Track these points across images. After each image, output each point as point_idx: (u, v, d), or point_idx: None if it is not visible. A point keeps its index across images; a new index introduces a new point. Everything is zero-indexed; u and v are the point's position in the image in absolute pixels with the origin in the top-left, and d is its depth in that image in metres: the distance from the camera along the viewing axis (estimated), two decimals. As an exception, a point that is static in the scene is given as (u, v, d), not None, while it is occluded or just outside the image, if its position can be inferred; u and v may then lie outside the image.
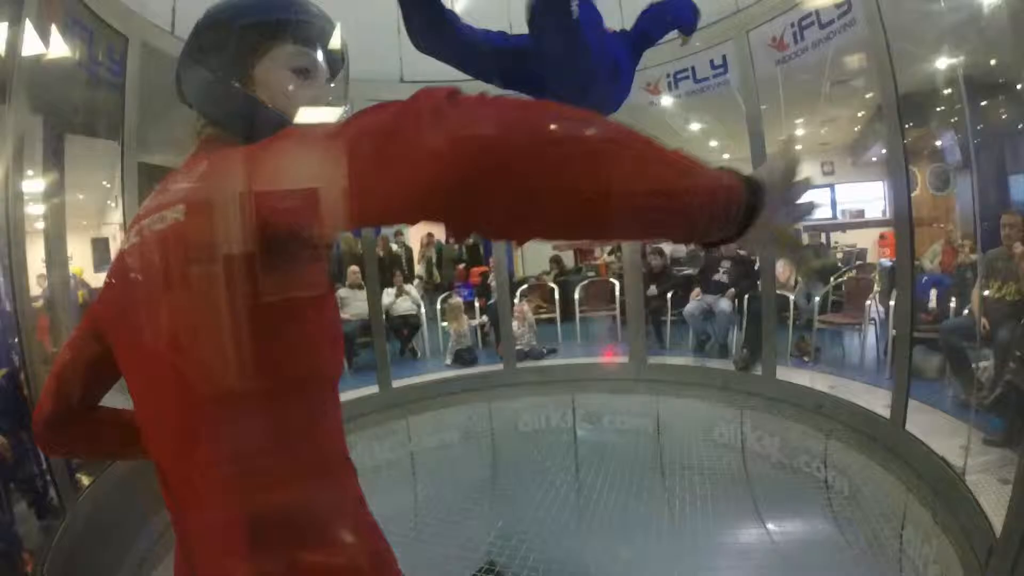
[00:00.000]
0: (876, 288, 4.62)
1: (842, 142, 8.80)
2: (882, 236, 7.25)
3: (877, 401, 3.26)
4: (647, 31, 1.90)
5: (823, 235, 6.47)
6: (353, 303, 5.40)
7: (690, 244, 0.59)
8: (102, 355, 0.73)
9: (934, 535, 2.27)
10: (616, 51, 1.70)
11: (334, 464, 0.67)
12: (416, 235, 9.76)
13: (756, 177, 0.57)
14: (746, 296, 4.59)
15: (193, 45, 0.72)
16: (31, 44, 2.21)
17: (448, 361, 5.25)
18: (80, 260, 4.20)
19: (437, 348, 5.69)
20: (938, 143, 5.81)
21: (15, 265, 2.15)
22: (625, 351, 4.76)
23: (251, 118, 0.69)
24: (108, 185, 3.48)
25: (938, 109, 4.89)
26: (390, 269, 6.54)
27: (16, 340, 2.23)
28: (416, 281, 7.70)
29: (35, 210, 2.71)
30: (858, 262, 6.52)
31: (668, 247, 7.62)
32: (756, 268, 4.61)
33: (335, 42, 0.79)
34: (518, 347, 5.01)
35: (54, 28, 2.35)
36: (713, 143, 8.64)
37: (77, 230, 4.19)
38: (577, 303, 6.18)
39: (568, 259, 8.99)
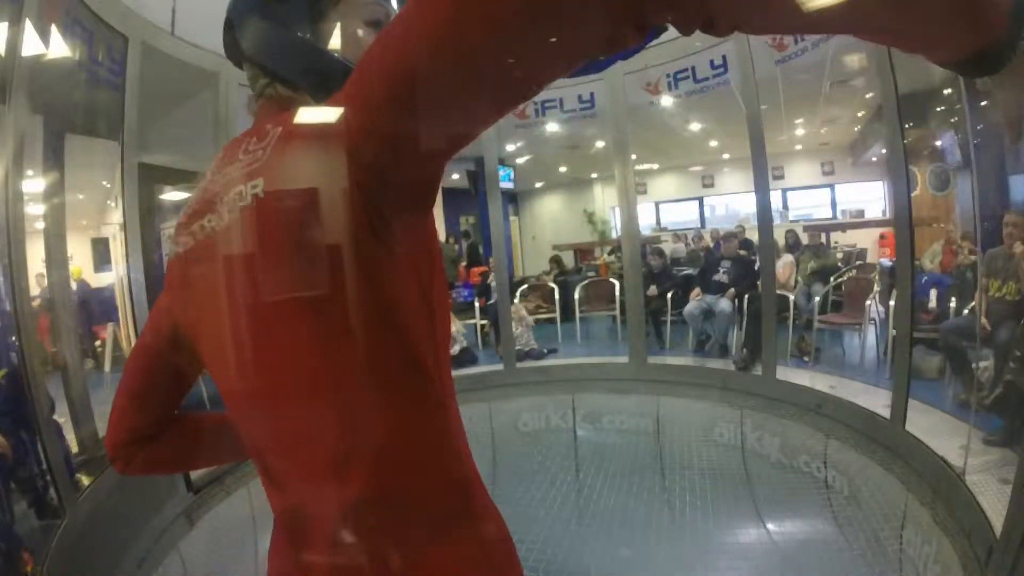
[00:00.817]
0: (876, 288, 4.61)
1: (842, 142, 8.81)
2: (882, 236, 7.25)
3: (877, 401, 3.26)
4: None
5: (823, 235, 6.46)
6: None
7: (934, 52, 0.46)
8: (180, 363, 0.69)
9: (934, 535, 2.27)
10: None
11: (456, 457, 0.62)
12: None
13: None
14: (746, 296, 4.59)
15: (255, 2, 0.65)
16: (31, 44, 2.21)
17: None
18: (80, 260, 4.20)
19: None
20: (938, 143, 5.81)
21: (15, 265, 2.15)
22: (625, 351, 4.76)
23: (324, 72, 0.63)
24: (108, 185, 3.48)
25: (938, 109, 4.89)
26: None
27: (16, 340, 2.23)
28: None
29: (35, 210, 2.71)
30: (858, 262, 6.52)
31: (668, 247, 7.63)
32: (756, 268, 4.61)
33: None
34: (518, 347, 5.01)
35: (54, 28, 2.35)
36: (713, 143, 8.65)
37: (77, 230, 4.19)
38: (577, 303, 6.19)
39: (568, 259, 9.00)
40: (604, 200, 11.07)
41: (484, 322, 6.15)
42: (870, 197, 8.94)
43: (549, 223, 11.51)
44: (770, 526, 2.71)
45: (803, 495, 2.99)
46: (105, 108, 2.84)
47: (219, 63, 3.43)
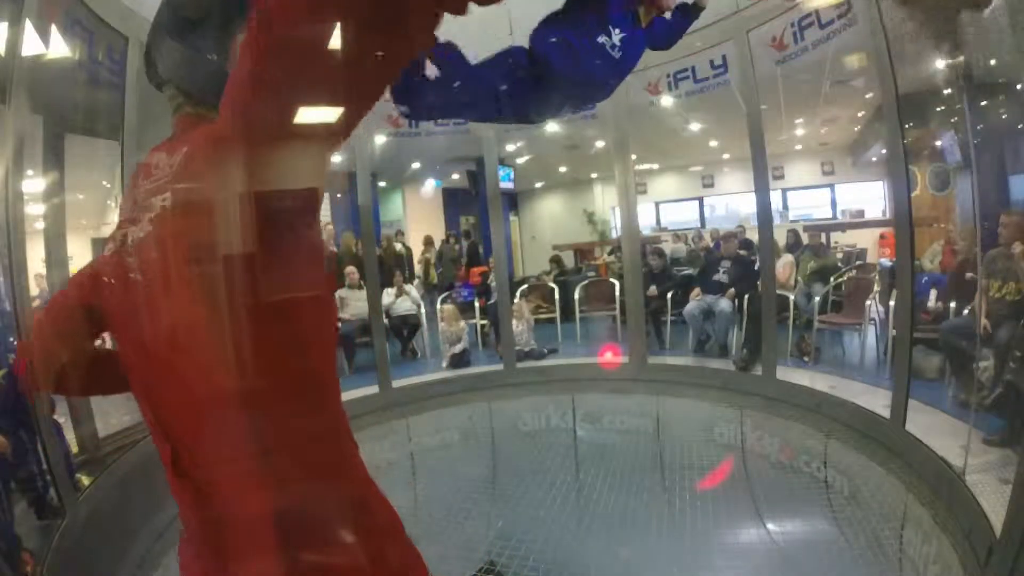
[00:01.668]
0: (876, 288, 4.61)
1: (842, 142, 8.81)
2: (882, 236, 7.25)
3: (877, 401, 3.26)
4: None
5: (823, 235, 6.46)
6: (353, 303, 5.41)
7: None
8: (93, 319, 0.78)
9: (934, 535, 2.27)
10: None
11: (343, 453, 0.71)
12: (417, 237, 9.79)
13: None
14: (746, 296, 4.59)
15: (170, 20, 0.72)
16: (31, 44, 2.21)
17: (444, 365, 5.26)
18: (80, 260, 4.20)
19: (437, 348, 5.69)
20: (938, 143, 5.81)
21: (15, 265, 2.15)
22: (625, 351, 4.76)
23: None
24: (108, 185, 3.49)
25: (938, 109, 4.89)
26: (392, 269, 6.53)
27: (15, 340, 2.23)
28: (415, 281, 7.71)
29: (35, 210, 2.71)
30: (858, 262, 6.51)
31: (668, 247, 7.64)
32: (756, 268, 4.61)
33: None
34: (518, 347, 5.01)
35: (54, 28, 2.35)
36: (713, 143, 8.65)
37: (77, 230, 4.19)
38: (577, 303, 6.18)
39: (568, 259, 9.01)
40: (604, 200, 11.07)
41: (484, 322, 6.15)
42: (870, 197, 8.94)
43: (549, 223, 11.51)
44: (770, 526, 2.70)
45: (803, 495, 2.99)
46: (105, 108, 2.84)
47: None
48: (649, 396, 4.33)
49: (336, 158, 6.73)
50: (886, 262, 5.32)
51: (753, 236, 5.53)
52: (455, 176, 10.00)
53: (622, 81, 1.84)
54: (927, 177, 6.53)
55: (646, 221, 10.58)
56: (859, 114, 7.28)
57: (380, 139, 4.95)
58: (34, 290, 2.47)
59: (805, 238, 6.51)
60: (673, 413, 4.20)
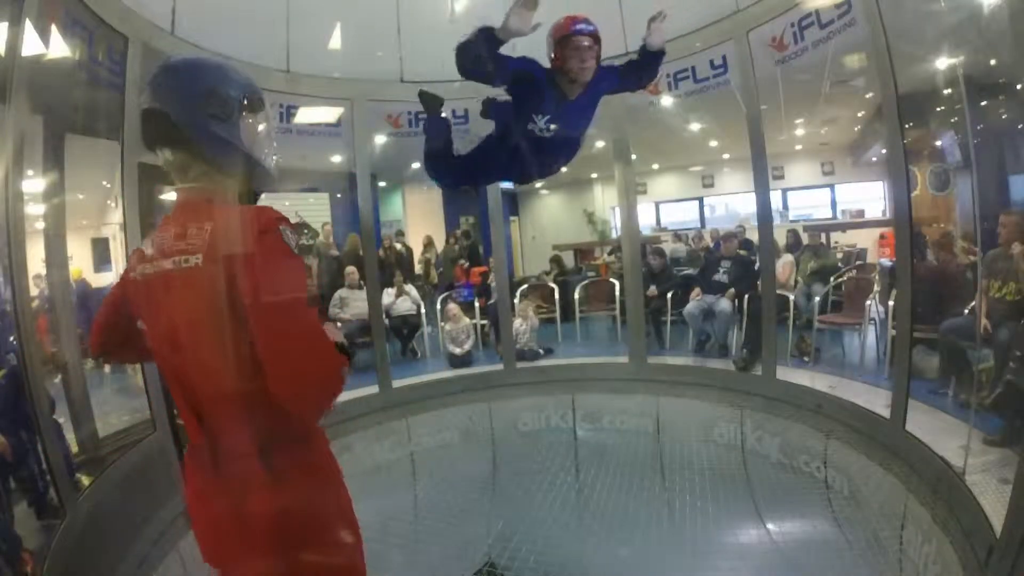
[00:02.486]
0: (876, 288, 4.61)
1: (842, 142, 8.80)
2: (882, 236, 7.25)
3: (877, 401, 3.26)
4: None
5: (823, 235, 6.46)
6: (353, 303, 5.40)
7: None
8: (129, 318, 1.13)
9: (934, 535, 2.27)
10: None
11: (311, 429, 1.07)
12: (416, 237, 9.78)
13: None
14: (746, 296, 4.59)
15: (202, 104, 1.00)
16: (31, 44, 2.21)
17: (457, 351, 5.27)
18: (80, 260, 4.20)
19: (437, 348, 5.69)
20: (938, 143, 5.81)
21: (15, 265, 2.15)
22: (625, 351, 4.76)
23: (241, 163, 1.07)
24: (108, 185, 3.48)
25: (938, 109, 4.89)
26: (392, 269, 6.53)
27: (16, 340, 2.23)
28: (419, 283, 7.71)
29: (35, 210, 2.71)
30: (858, 262, 6.51)
31: (668, 247, 7.64)
32: (756, 268, 4.61)
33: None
34: (518, 347, 5.01)
35: (54, 28, 2.35)
36: (713, 143, 8.64)
37: (77, 230, 4.19)
38: (577, 303, 6.18)
39: (568, 259, 9.00)
40: (604, 200, 11.06)
41: (484, 322, 6.15)
42: (870, 197, 8.94)
43: (549, 223, 11.50)
44: (770, 526, 2.71)
45: (803, 495, 2.99)
46: (105, 108, 2.83)
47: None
48: (649, 396, 4.33)
49: (336, 158, 6.73)
50: (886, 262, 5.32)
51: (753, 236, 5.52)
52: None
53: (574, 139, 2.15)
54: (927, 177, 6.53)
55: (646, 221, 10.58)
56: (859, 114, 7.28)
57: (380, 139, 4.94)
58: (32, 291, 2.46)
59: (805, 238, 6.50)
60: (673, 413, 4.19)
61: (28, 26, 2.17)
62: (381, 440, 4.04)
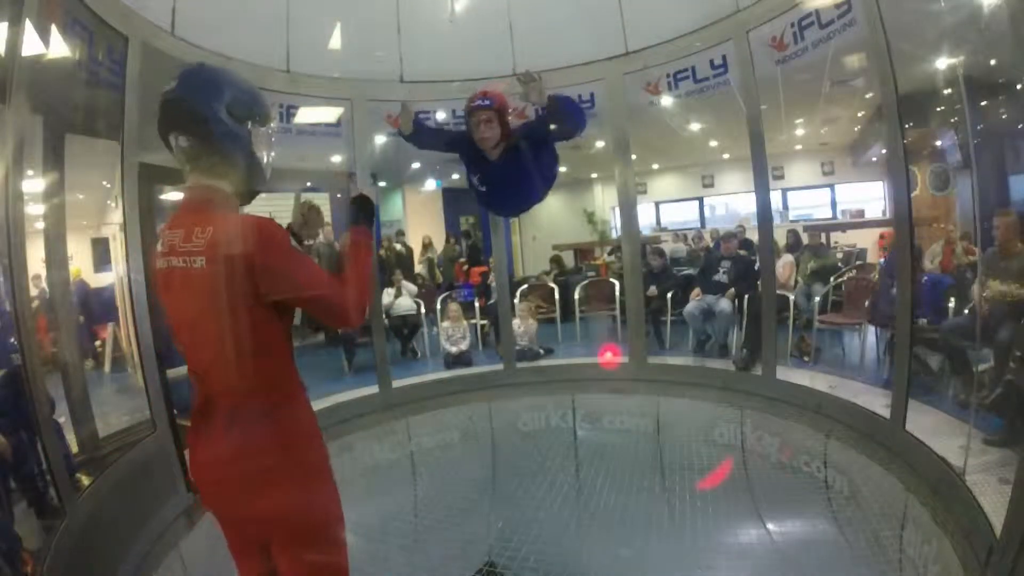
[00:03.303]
0: (876, 288, 4.61)
1: (842, 142, 8.81)
2: (882, 236, 7.25)
3: (877, 401, 3.26)
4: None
5: (823, 235, 6.46)
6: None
7: None
8: None
9: (934, 535, 2.27)
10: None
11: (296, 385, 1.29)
12: (416, 237, 9.78)
13: None
14: (746, 296, 4.59)
15: (225, 102, 1.18)
16: (31, 44, 2.20)
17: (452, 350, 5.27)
18: (80, 260, 4.20)
19: (437, 348, 5.69)
20: (938, 143, 5.81)
21: (15, 265, 2.14)
22: (625, 351, 4.76)
23: (244, 162, 1.25)
24: (108, 185, 3.48)
25: (938, 109, 4.89)
26: (392, 269, 6.52)
27: (16, 340, 2.23)
28: (418, 281, 7.70)
29: (35, 210, 2.71)
30: (858, 262, 6.52)
31: (668, 247, 7.64)
32: (756, 268, 4.61)
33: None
34: (518, 347, 5.01)
35: (54, 28, 2.35)
36: (713, 143, 8.64)
37: (77, 230, 4.19)
38: (577, 303, 6.19)
39: (568, 259, 9.00)
40: (604, 200, 11.07)
41: (484, 322, 6.15)
42: (870, 197, 8.94)
43: (549, 223, 11.50)
44: (770, 526, 2.70)
45: (803, 495, 2.99)
46: (105, 108, 2.83)
47: (219, 63, 3.42)
48: (649, 396, 4.33)
49: (336, 158, 6.73)
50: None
51: (753, 236, 5.52)
52: (455, 176, 9.99)
53: (523, 189, 2.53)
54: (927, 177, 6.53)
55: (646, 221, 10.58)
56: (859, 114, 7.28)
57: (380, 139, 4.94)
58: (32, 291, 2.46)
59: (805, 238, 6.51)
60: (673, 413, 4.19)
61: (28, 26, 2.17)
62: (381, 440, 4.04)
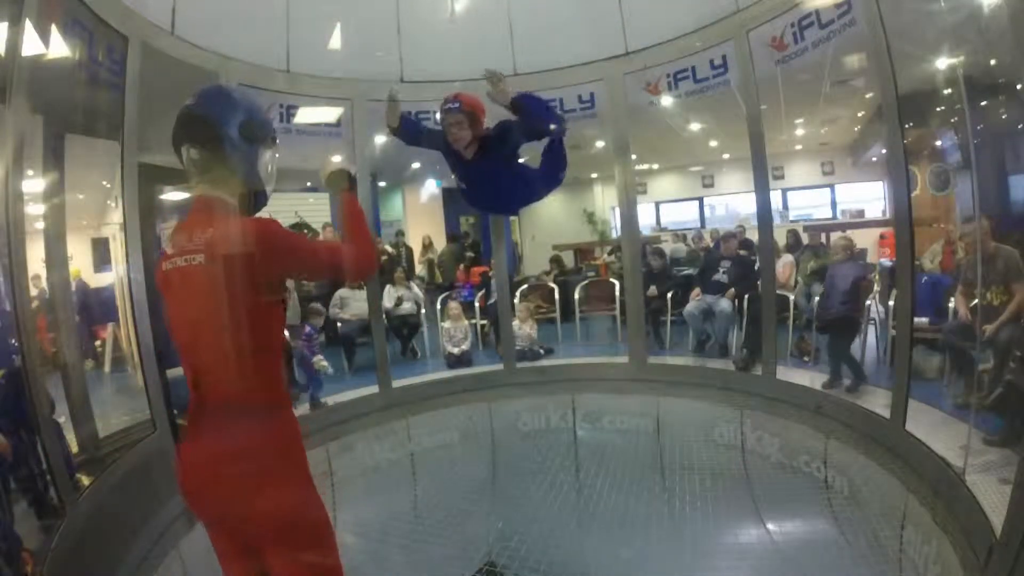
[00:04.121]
0: (876, 288, 4.61)
1: (842, 142, 8.81)
2: (882, 236, 7.25)
3: (877, 401, 3.26)
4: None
5: (823, 235, 6.46)
6: (353, 303, 5.40)
7: None
8: None
9: (934, 535, 2.27)
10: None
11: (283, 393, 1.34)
12: (417, 237, 9.78)
13: None
14: (746, 296, 4.59)
15: (240, 122, 1.27)
16: (31, 44, 2.20)
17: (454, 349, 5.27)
18: (80, 260, 4.20)
19: (437, 348, 5.69)
20: (938, 143, 5.81)
21: (15, 265, 2.14)
22: (625, 351, 4.76)
23: (249, 177, 1.32)
24: (108, 185, 3.48)
25: (938, 109, 4.89)
26: (393, 269, 6.52)
27: (16, 340, 2.23)
28: (417, 281, 7.71)
29: (35, 210, 2.71)
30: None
31: (668, 247, 7.64)
32: (756, 268, 4.61)
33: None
34: (518, 347, 5.01)
35: (54, 28, 2.35)
36: (713, 143, 8.65)
37: (77, 230, 4.19)
38: (577, 303, 6.18)
39: (568, 259, 9.00)
40: (604, 200, 11.07)
41: (484, 322, 6.14)
42: (870, 197, 8.95)
43: (549, 223, 11.50)
44: (770, 526, 2.70)
45: (803, 495, 2.99)
46: (105, 108, 2.83)
47: (219, 63, 3.43)
48: (649, 396, 4.33)
49: (336, 158, 6.72)
50: (886, 262, 5.32)
51: (753, 236, 5.52)
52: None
53: (489, 190, 2.74)
54: (927, 177, 6.53)
55: (646, 221, 10.58)
56: (859, 114, 7.28)
57: (380, 139, 4.94)
58: (32, 291, 2.46)
59: (805, 238, 6.50)
60: (673, 413, 4.19)
61: (28, 26, 2.17)
62: (381, 440, 4.04)
